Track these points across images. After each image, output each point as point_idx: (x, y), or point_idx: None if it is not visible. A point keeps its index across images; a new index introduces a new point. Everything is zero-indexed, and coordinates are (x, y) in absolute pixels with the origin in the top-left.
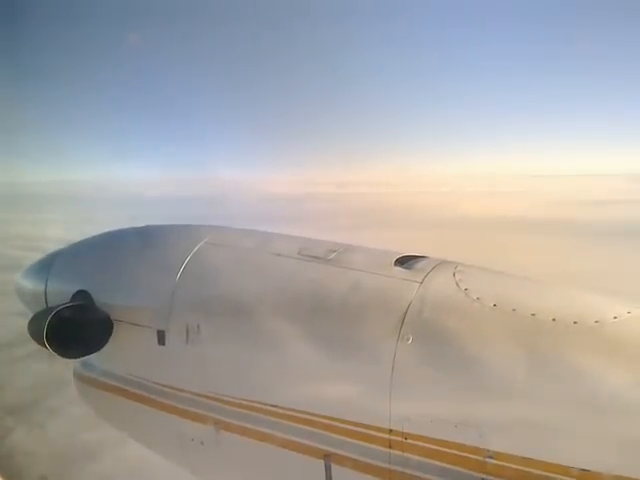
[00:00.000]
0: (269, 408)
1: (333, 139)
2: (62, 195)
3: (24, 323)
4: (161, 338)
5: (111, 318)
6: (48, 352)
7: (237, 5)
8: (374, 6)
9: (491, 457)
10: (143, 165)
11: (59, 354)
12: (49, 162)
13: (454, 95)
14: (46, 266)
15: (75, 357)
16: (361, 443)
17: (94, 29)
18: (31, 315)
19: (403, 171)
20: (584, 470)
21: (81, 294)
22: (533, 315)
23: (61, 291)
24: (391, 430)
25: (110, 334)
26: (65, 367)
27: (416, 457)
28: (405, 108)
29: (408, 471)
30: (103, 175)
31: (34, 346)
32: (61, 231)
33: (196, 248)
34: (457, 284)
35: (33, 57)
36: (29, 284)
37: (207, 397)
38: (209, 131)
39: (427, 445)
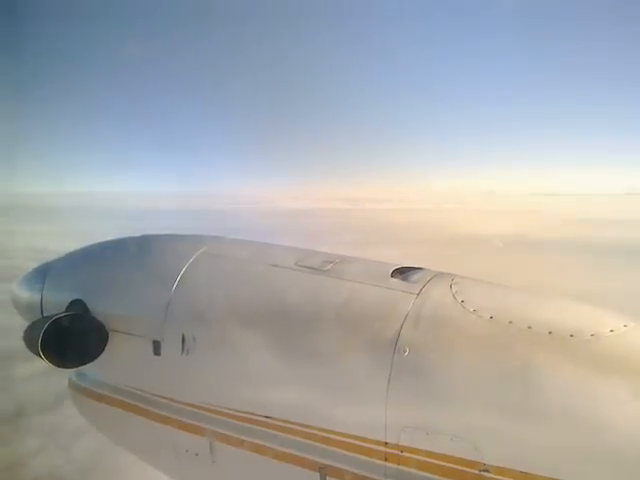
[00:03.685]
0: (264, 420)
1: (342, 155)
2: (64, 207)
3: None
4: (157, 348)
5: (107, 328)
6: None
7: (244, 10)
8: (383, 18)
9: (487, 470)
10: (145, 178)
11: (54, 364)
12: (50, 174)
13: (461, 113)
14: (42, 275)
15: (70, 367)
16: (357, 456)
17: (95, 39)
18: (27, 324)
19: (411, 187)
20: None
21: (77, 303)
22: (529, 328)
23: (57, 300)
24: (387, 443)
25: (105, 344)
26: None
27: (412, 470)
28: (414, 124)
29: None
30: (106, 187)
31: None
32: (64, 242)
33: (193, 258)
34: (454, 296)
35: (35, 68)
36: (24, 293)
37: (202, 408)
38: (215, 145)
39: (423, 458)
